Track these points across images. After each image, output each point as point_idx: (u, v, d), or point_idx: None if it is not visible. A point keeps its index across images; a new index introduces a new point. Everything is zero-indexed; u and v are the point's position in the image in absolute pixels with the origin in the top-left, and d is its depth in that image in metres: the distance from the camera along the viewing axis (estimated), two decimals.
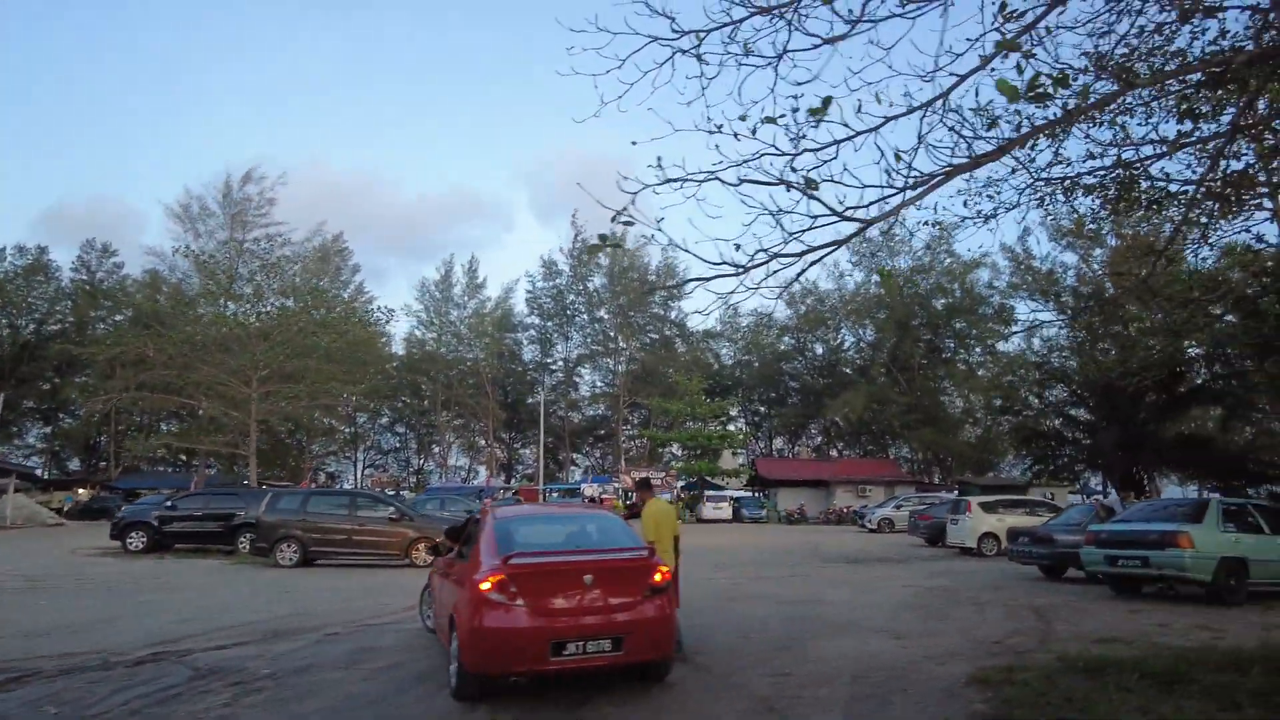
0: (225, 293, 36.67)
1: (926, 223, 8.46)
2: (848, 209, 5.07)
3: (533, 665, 5.81)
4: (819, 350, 66.46)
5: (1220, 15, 7.04)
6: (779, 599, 11.95)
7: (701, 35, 5.20)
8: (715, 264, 5.04)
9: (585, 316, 66.22)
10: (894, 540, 29.40)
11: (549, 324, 67.99)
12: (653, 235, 4.76)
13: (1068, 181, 10.01)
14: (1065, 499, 46.60)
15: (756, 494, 51.58)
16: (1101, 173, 12.05)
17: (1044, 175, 9.18)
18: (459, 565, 7.01)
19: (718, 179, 5.12)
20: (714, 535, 32.00)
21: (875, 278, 54.98)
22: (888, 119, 5.12)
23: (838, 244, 5.47)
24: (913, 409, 50.71)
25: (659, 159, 4.83)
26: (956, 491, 49.50)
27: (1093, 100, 6.19)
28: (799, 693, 6.31)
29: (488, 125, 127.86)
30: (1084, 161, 10.27)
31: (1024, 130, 6.23)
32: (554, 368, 71.94)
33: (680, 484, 48.69)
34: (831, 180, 5.05)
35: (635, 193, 4.77)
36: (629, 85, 5.09)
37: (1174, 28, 7.21)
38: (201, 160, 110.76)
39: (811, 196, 5.26)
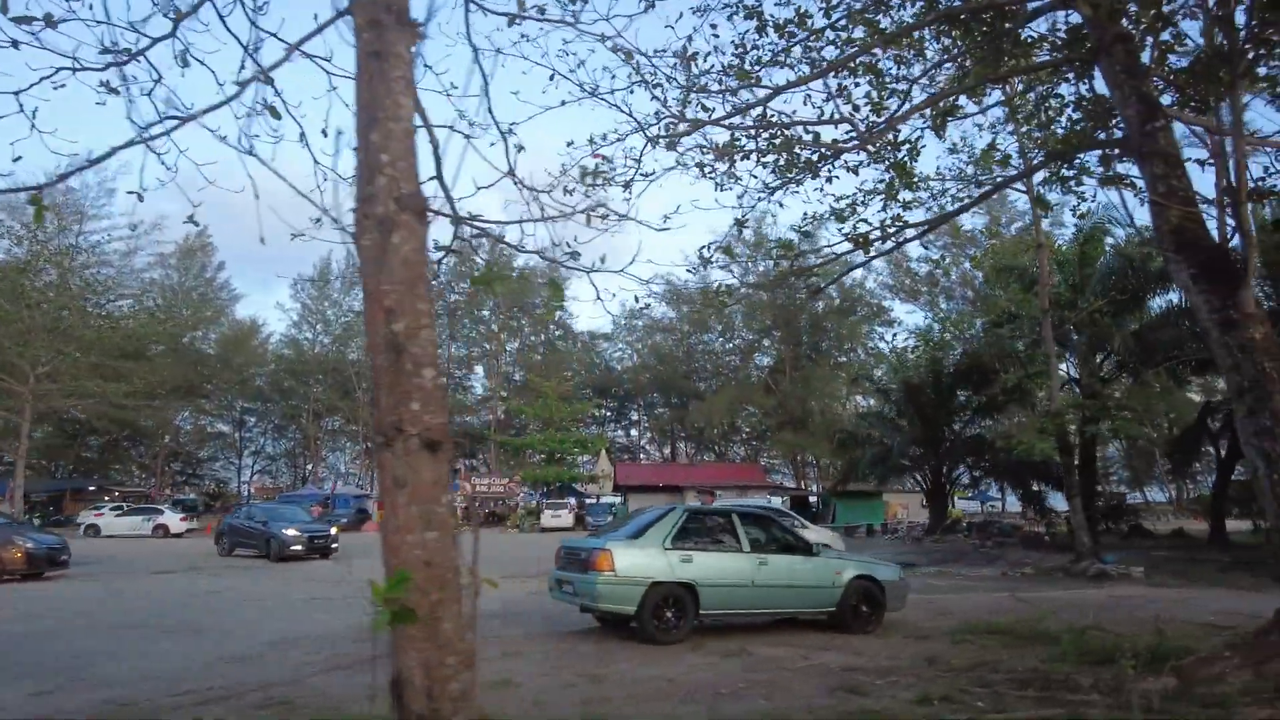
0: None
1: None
2: None
3: None
4: (714, 350, 64.41)
5: None
6: None
7: None
8: None
9: (468, 318, 63.76)
10: None
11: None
12: None
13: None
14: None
15: (615, 501, 49.32)
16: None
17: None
18: None
19: None
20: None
21: (750, 278, 52.85)
22: None
23: None
24: (777, 412, 48.73)
25: None
26: (816, 496, 47.84)
27: None
28: None
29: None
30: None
31: None
32: (455, 371, 69.43)
33: (523, 491, 46.43)
34: None
35: None
36: None
37: None
38: None
39: None
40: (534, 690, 6.79)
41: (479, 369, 68.74)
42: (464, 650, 3.86)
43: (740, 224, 12.00)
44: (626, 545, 8.93)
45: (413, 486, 3.73)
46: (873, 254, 13.62)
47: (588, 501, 46.25)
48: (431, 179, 4.95)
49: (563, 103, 10.06)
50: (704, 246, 10.67)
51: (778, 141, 11.04)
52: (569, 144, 10.06)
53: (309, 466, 73.61)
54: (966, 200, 11.26)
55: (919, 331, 30.17)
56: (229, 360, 61.44)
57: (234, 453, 72.40)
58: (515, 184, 5.95)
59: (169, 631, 9.90)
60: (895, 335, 41.24)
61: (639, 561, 8.76)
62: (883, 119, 10.73)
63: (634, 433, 75.90)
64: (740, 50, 10.72)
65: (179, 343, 55.80)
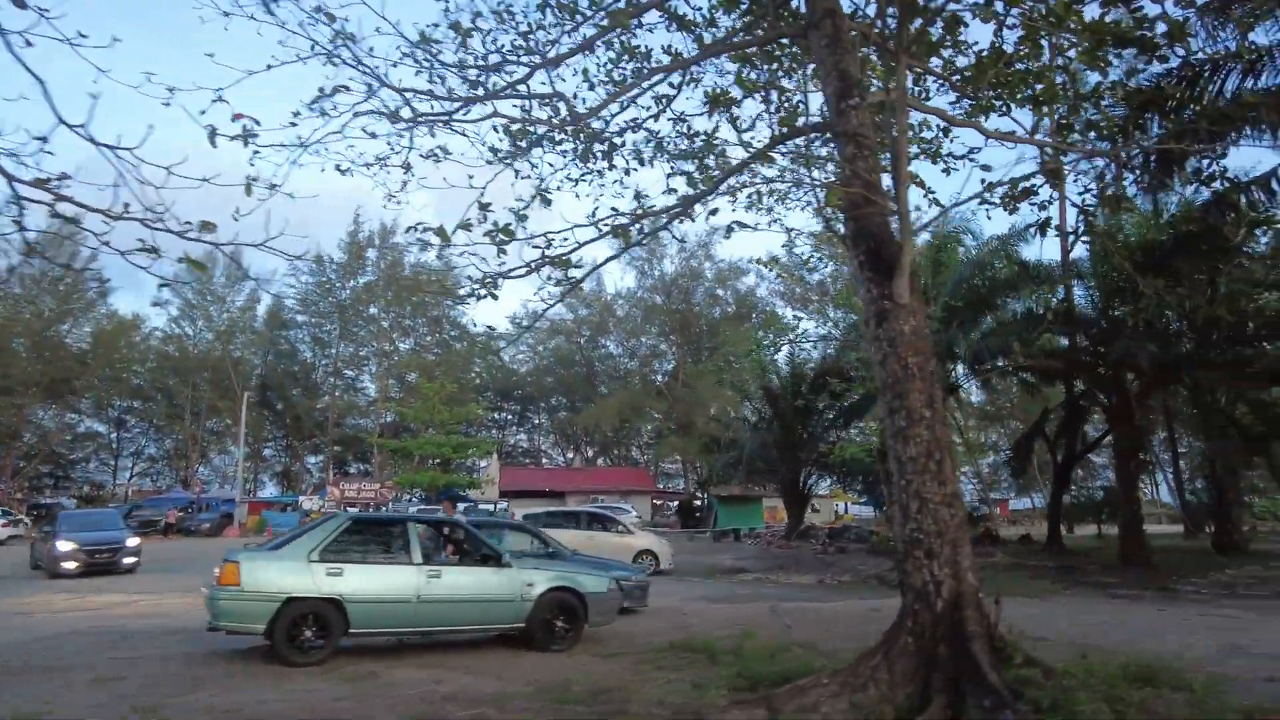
0: None
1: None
2: None
3: None
4: (613, 354, 63.73)
5: None
6: None
7: None
8: None
9: (360, 318, 61.55)
10: None
11: (323, 323, 63.03)
12: None
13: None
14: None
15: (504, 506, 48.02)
16: None
17: None
18: None
19: None
20: None
21: (648, 282, 52.43)
22: None
23: None
24: (670, 416, 48.25)
25: None
26: (704, 500, 47.49)
27: None
28: None
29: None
30: None
31: None
32: (346, 371, 66.97)
33: (394, 496, 44.78)
34: None
35: None
36: None
37: None
38: None
39: None
40: None
41: (370, 369, 66.51)
42: None
43: (483, 206, 11.07)
44: (262, 557, 7.93)
45: None
46: (633, 242, 12.93)
47: (481, 507, 44.76)
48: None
49: (268, 66, 9.05)
50: (412, 227, 9.67)
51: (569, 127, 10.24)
52: (295, 115, 8.99)
53: (188, 469, 69.95)
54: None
55: (758, 340, 29.82)
56: (105, 356, 57.90)
57: (110, 454, 68.29)
58: (99, 146, 4.83)
59: None
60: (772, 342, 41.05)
61: (273, 575, 7.74)
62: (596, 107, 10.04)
63: (537, 436, 74.67)
64: (505, 21, 9.86)
65: (41, 336, 52.31)
